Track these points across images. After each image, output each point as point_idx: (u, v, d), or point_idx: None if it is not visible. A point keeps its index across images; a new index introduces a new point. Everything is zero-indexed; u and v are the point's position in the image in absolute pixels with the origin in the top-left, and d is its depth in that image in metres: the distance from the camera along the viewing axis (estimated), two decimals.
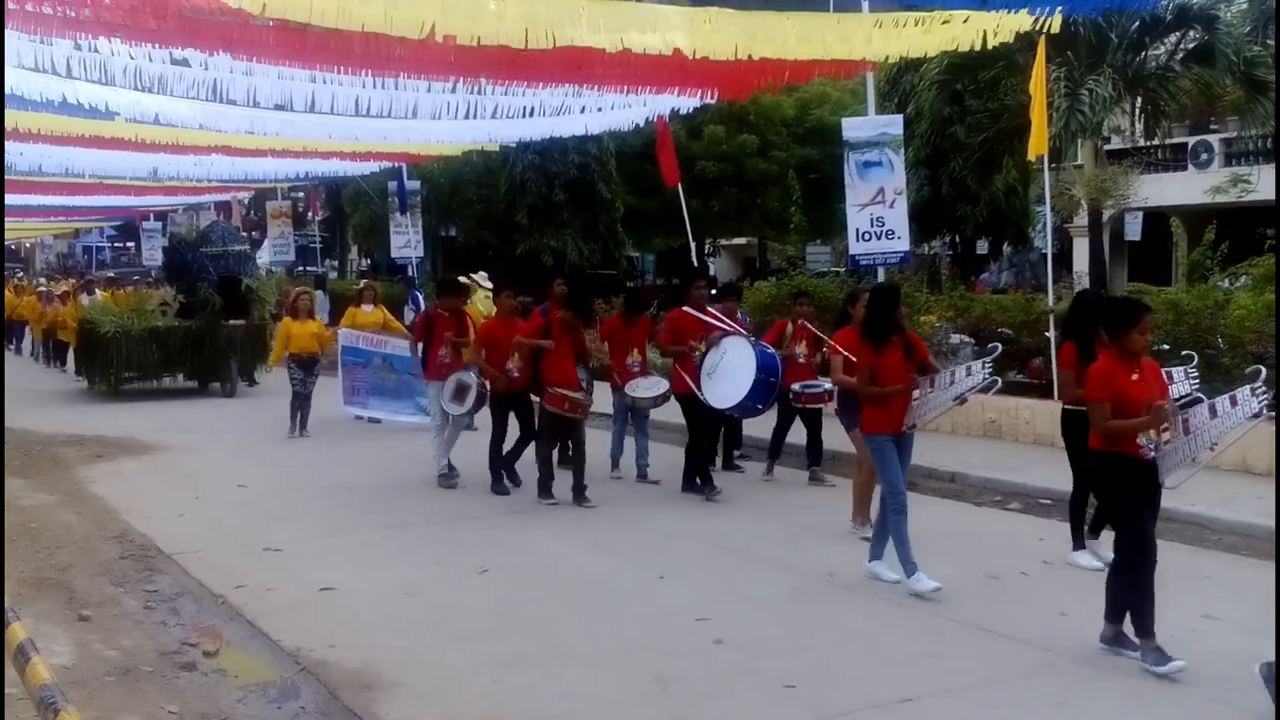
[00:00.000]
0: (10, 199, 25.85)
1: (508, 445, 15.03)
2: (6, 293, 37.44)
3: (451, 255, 48.25)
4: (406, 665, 8.49)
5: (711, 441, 15.24)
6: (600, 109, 17.08)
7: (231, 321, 27.01)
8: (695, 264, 24.84)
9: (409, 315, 28.82)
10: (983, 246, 40.52)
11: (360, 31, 9.59)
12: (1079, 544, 11.03)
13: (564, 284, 16.80)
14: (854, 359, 10.99)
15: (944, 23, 11.34)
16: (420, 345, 16.07)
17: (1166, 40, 28.64)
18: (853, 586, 10.54)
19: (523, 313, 16.03)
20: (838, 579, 10.76)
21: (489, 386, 14.97)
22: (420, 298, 32.89)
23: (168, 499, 14.63)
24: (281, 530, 12.91)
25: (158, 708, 7.75)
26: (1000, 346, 11.53)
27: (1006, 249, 40.77)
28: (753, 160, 40.05)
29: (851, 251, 20.32)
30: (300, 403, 19.82)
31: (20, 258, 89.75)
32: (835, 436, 14.23)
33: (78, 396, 26.89)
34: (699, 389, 14.06)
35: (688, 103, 15.95)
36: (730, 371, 13.81)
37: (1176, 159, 42.57)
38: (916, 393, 10.38)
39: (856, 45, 11.55)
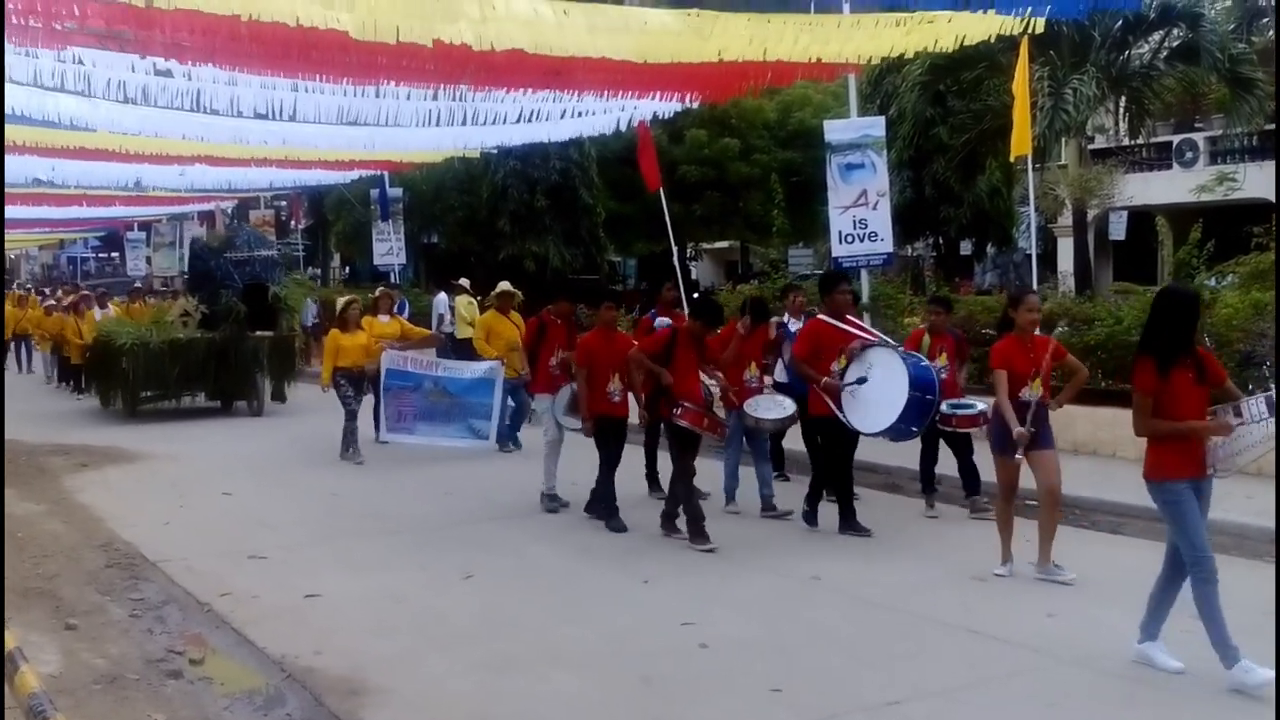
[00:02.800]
0: None
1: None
2: (9, 306, 34.50)
3: (434, 262, 48.36)
4: (393, 671, 8.48)
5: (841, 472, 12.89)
6: (581, 114, 17.03)
7: (258, 332, 24.83)
8: (683, 266, 24.32)
9: None
10: (966, 248, 40.61)
11: (339, 37, 9.56)
12: None
13: (674, 288, 16.11)
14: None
15: (929, 23, 11.30)
16: (529, 355, 14.95)
17: (1150, 39, 28.79)
18: (838, 589, 10.52)
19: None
20: (824, 582, 10.74)
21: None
22: (406, 304, 32.94)
23: (153, 508, 14.59)
24: (267, 537, 12.91)
25: (144, 715, 7.74)
26: None
27: (990, 250, 40.88)
28: (735, 164, 40.13)
29: (834, 254, 20.35)
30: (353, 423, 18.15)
31: (5, 269, 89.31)
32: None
33: (79, 413, 25.60)
34: (841, 410, 12.22)
35: (669, 107, 15.94)
36: (878, 389, 11.91)
37: (1161, 158, 42.72)
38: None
39: (836, 46, 11.54)
